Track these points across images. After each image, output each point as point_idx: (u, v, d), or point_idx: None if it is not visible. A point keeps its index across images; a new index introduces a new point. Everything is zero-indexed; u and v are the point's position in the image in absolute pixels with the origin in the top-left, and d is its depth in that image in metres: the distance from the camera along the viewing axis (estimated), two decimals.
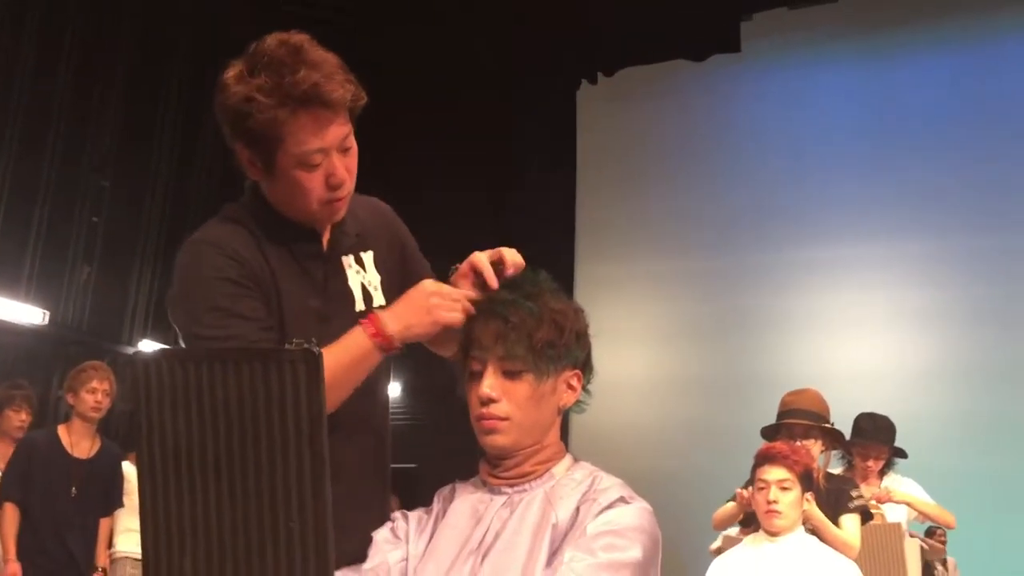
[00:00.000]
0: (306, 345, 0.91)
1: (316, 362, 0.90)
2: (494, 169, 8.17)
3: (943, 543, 6.59)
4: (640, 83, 8.41)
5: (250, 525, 0.92)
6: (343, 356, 1.39)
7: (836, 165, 7.87)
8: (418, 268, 1.73)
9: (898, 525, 3.51)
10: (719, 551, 3.75)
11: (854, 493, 3.35)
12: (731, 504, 3.49)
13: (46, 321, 6.16)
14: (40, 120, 6.33)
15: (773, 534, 2.91)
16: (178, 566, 0.94)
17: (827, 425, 3.51)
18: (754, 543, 2.98)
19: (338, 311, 1.52)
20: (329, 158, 1.42)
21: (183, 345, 1.44)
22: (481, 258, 1.49)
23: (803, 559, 2.81)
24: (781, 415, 3.57)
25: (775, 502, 2.89)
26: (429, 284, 1.45)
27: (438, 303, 1.41)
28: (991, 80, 7.62)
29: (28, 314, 6.06)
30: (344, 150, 1.44)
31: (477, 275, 1.48)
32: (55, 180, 6.42)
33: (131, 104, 7.05)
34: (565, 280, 7.66)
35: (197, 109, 7.43)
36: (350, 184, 1.47)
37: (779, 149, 8.11)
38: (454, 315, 1.41)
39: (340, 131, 1.43)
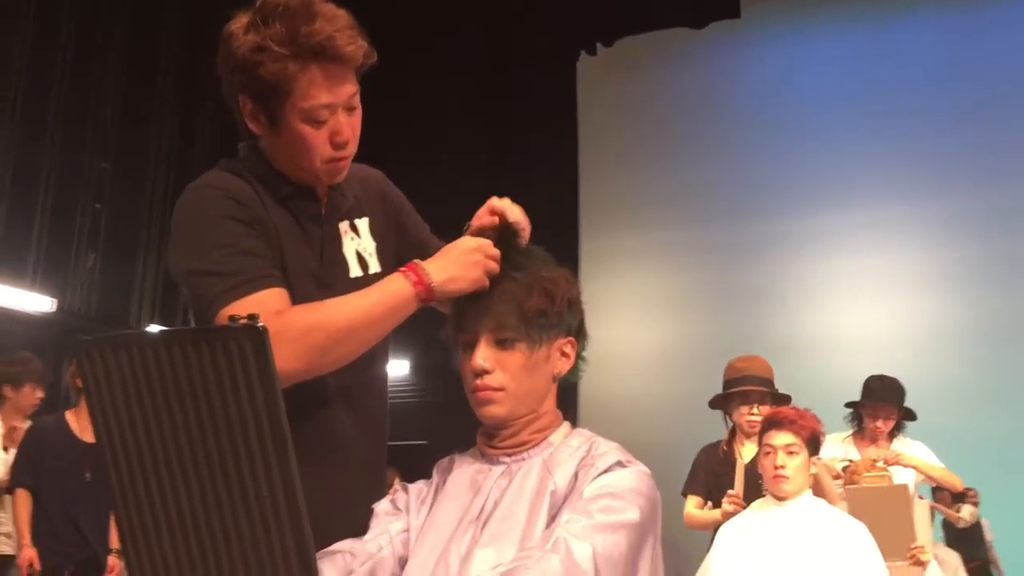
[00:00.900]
0: (249, 321, 0.89)
1: (261, 338, 0.88)
2: (494, 143, 8.15)
3: (976, 504, 6.64)
4: (640, 53, 8.36)
5: (221, 502, 0.91)
6: (383, 300, 1.38)
7: (839, 131, 7.82)
8: (417, 231, 1.73)
9: (905, 487, 3.51)
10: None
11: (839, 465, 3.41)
12: (712, 512, 3.46)
13: (54, 308, 6.19)
14: (39, 106, 6.34)
15: (780, 499, 2.91)
16: (158, 549, 0.94)
17: (776, 392, 3.55)
18: (761, 507, 2.98)
19: (336, 277, 1.51)
20: (336, 115, 1.40)
21: (187, 287, 1.41)
22: (499, 203, 1.53)
23: (811, 523, 2.81)
24: (733, 382, 3.57)
25: (782, 467, 2.88)
26: (470, 240, 1.43)
27: (481, 260, 1.40)
28: (994, 42, 7.56)
29: (36, 302, 6.09)
30: (350, 109, 1.43)
31: (494, 217, 1.51)
32: (56, 167, 6.43)
33: (129, 86, 7.05)
34: (570, 254, 7.65)
35: (195, 87, 7.41)
36: (354, 145, 1.46)
37: (781, 116, 8.07)
38: (489, 264, 1.41)
39: (349, 88, 1.41)
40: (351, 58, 1.39)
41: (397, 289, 1.39)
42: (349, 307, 1.37)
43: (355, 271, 1.55)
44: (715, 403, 3.70)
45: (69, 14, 6.57)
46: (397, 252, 1.65)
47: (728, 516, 3.22)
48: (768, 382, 3.55)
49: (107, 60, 6.89)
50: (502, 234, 1.49)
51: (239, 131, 1.49)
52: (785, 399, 3.55)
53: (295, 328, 1.31)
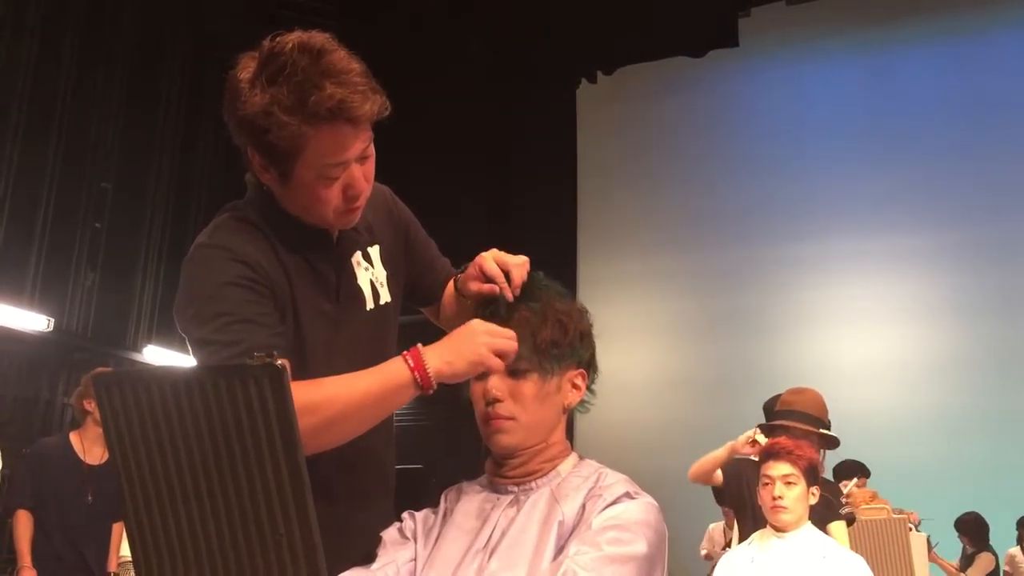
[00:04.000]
0: (268, 359, 0.89)
1: (280, 375, 0.88)
2: (495, 170, 8.18)
3: None
4: (639, 81, 8.42)
5: (237, 538, 0.91)
6: (380, 385, 1.33)
7: (836, 159, 7.88)
8: (425, 250, 1.72)
9: (903, 519, 3.51)
10: (708, 556, 3.74)
11: (842, 499, 3.35)
12: (717, 451, 3.44)
13: (51, 328, 6.18)
14: (41, 126, 6.36)
15: (780, 530, 2.91)
16: None
17: (824, 431, 3.43)
18: (761, 539, 2.98)
19: (349, 313, 1.50)
20: (349, 169, 1.37)
21: (191, 351, 1.37)
22: (493, 267, 1.46)
23: (811, 555, 2.81)
24: (779, 414, 3.51)
25: (780, 497, 2.89)
26: (479, 324, 1.38)
27: (488, 341, 1.35)
28: (988, 73, 7.64)
29: (33, 321, 6.07)
30: (363, 159, 1.39)
31: (486, 278, 1.47)
32: (57, 186, 6.44)
33: (130, 106, 7.08)
34: (568, 279, 7.67)
35: (197, 112, 7.45)
36: (368, 191, 1.43)
37: (779, 144, 8.12)
38: (495, 362, 1.35)
39: (362, 143, 1.36)
40: (365, 118, 1.34)
41: (396, 374, 1.34)
42: (346, 390, 1.32)
43: (370, 303, 1.54)
44: (762, 431, 3.65)
45: (72, 35, 6.61)
46: (407, 275, 1.65)
47: (735, 451, 3.19)
48: (814, 419, 3.42)
49: (109, 81, 6.93)
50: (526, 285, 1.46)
51: (243, 163, 1.44)
52: (830, 439, 3.45)
53: None
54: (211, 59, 7.60)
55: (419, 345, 1.36)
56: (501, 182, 8.14)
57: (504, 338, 1.37)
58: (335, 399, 1.31)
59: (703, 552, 6.13)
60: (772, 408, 3.93)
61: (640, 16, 7.75)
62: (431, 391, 1.36)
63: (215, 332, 1.32)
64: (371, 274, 1.56)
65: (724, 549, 6.44)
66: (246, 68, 1.34)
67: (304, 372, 1.37)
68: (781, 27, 8.14)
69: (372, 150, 1.40)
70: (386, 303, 1.57)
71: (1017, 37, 7.68)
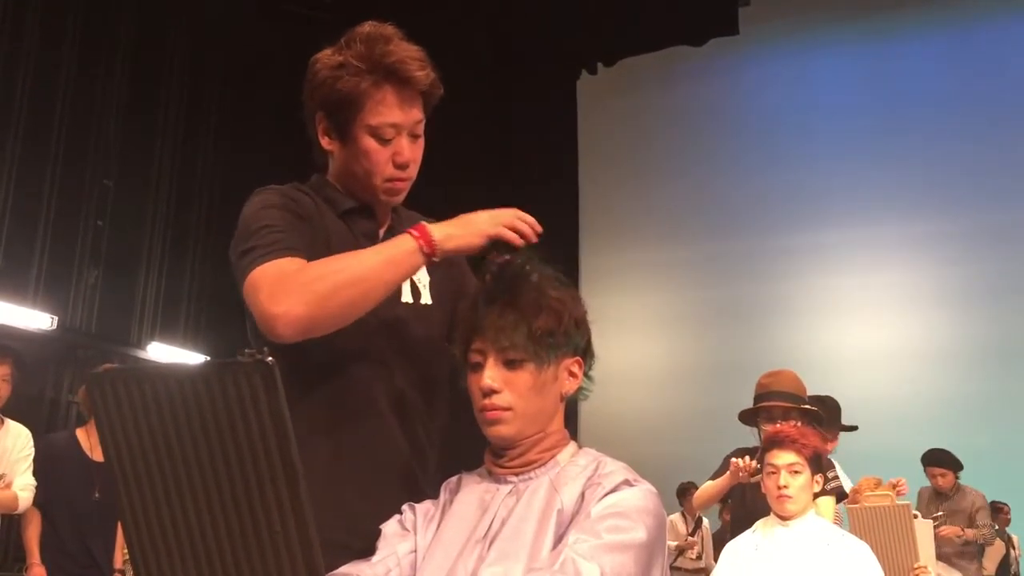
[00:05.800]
0: (259, 355, 0.90)
1: (271, 372, 0.89)
2: (495, 162, 8.17)
3: (1008, 520, 6.60)
4: (640, 72, 8.41)
5: (234, 535, 0.92)
6: (386, 250, 1.44)
7: (838, 148, 7.87)
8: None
9: (908, 506, 3.50)
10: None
11: (830, 475, 3.36)
12: (712, 483, 3.49)
13: (54, 326, 6.19)
14: (42, 123, 6.36)
15: (785, 518, 2.91)
16: None
17: (807, 407, 3.47)
18: (765, 527, 2.98)
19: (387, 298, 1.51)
20: (400, 137, 1.52)
21: (235, 273, 1.46)
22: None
23: (815, 543, 2.81)
24: (758, 398, 3.54)
25: (786, 487, 2.89)
26: (485, 212, 1.51)
27: (485, 228, 1.47)
28: (990, 59, 7.62)
29: (36, 319, 6.09)
30: (414, 136, 1.54)
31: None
32: (59, 184, 6.45)
33: (132, 103, 7.08)
34: (570, 270, 7.65)
35: (198, 107, 7.44)
36: (414, 169, 1.56)
37: (780, 133, 8.11)
38: (500, 230, 1.46)
39: (415, 114, 1.53)
40: (419, 82, 1.52)
41: (400, 241, 1.44)
42: (355, 257, 1.43)
43: (406, 297, 1.58)
44: (744, 419, 3.65)
45: (73, 32, 6.61)
46: (452, 302, 1.64)
47: (736, 476, 3.21)
48: (793, 396, 3.47)
49: (110, 77, 6.93)
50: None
51: (314, 164, 1.60)
52: (814, 414, 3.49)
53: (302, 279, 1.37)
54: (212, 54, 7.59)
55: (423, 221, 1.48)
56: (502, 174, 8.12)
57: (510, 216, 1.49)
58: (344, 264, 1.41)
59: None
60: None
61: (639, 6, 7.72)
62: (436, 255, 1.44)
63: (254, 242, 1.43)
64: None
65: (687, 539, 6.53)
66: (326, 51, 1.54)
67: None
68: (781, 15, 8.11)
69: (422, 132, 1.56)
70: (427, 304, 1.61)
71: None
